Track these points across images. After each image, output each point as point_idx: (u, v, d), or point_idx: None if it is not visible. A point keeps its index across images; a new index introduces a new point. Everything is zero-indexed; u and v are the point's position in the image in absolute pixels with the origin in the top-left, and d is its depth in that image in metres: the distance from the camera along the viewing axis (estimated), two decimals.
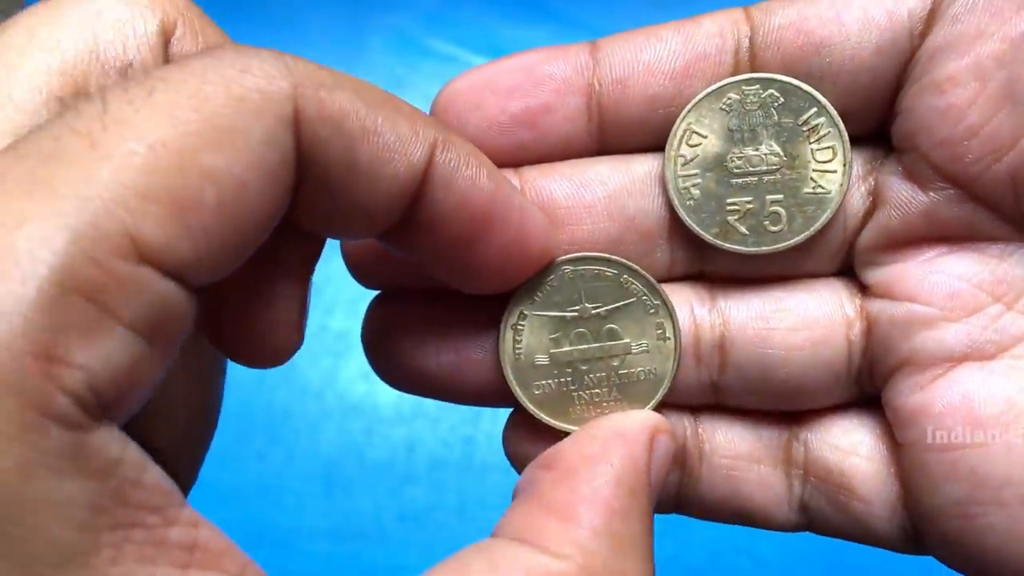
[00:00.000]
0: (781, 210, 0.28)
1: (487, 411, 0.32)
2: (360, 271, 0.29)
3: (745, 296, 0.30)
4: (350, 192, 0.23)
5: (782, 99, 0.28)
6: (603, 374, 0.29)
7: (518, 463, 0.30)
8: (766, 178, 0.28)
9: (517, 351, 0.29)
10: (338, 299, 0.74)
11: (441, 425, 0.72)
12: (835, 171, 0.28)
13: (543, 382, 0.29)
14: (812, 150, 0.28)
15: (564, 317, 0.29)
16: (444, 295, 0.29)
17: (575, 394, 0.29)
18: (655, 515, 0.29)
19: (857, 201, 0.29)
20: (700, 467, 0.30)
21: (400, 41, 0.82)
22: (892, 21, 0.27)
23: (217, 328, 0.25)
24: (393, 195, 0.23)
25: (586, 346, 0.29)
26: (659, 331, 0.29)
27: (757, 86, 0.28)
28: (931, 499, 0.28)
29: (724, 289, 0.30)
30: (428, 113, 0.27)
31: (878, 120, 0.28)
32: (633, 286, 0.28)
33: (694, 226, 0.28)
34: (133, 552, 0.18)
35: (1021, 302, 0.28)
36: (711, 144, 0.28)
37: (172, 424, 0.25)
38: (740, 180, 0.28)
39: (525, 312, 0.28)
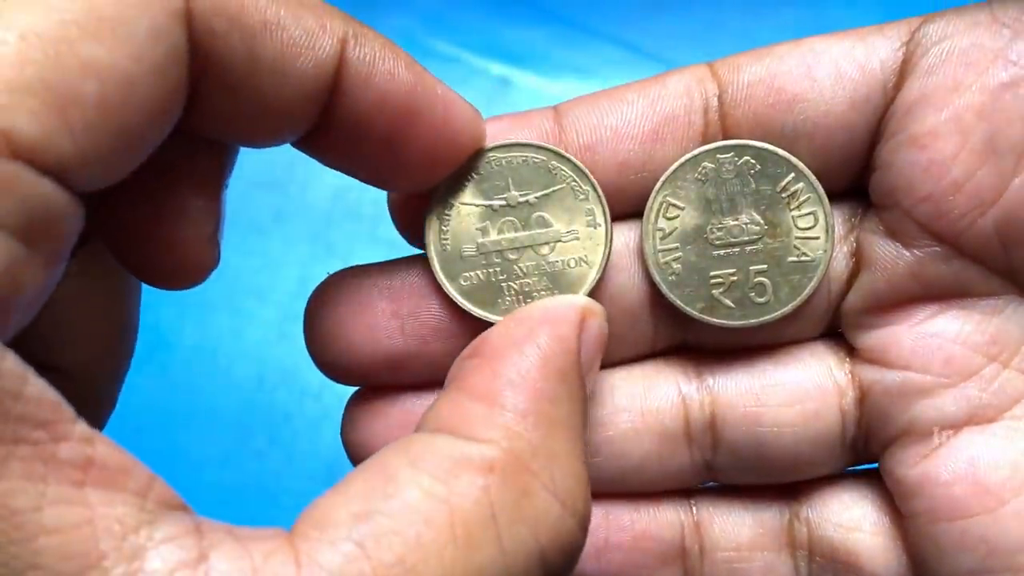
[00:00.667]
0: (767, 281, 0.28)
1: None
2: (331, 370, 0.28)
3: (732, 371, 0.29)
4: (254, 92, 0.21)
5: (758, 166, 0.27)
6: (533, 263, 0.27)
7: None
8: (748, 248, 0.28)
9: (443, 241, 0.27)
10: None
11: None
12: (818, 237, 0.27)
13: (470, 273, 0.27)
14: (793, 217, 0.27)
15: (491, 206, 0.27)
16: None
17: (504, 284, 0.27)
18: None
19: (840, 263, 0.28)
20: (702, 565, 0.29)
21: (401, 41, 0.81)
22: (865, 74, 0.27)
23: (123, 245, 0.24)
24: (303, 94, 0.22)
25: (515, 234, 0.27)
26: (589, 217, 0.27)
27: (732, 154, 0.27)
28: (943, 570, 0.27)
29: (710, 365, 0.29)
30: None
31: (854, 176, 0.28)
32: (562, 172, 0.27)
33: (678, 302, 0.28)
34: (19, 469, 0.17)
35: (1016, 360, 0.27)
36: (689, 216, 0.28)
37: (77, 344, 0.24)
38: (722, 251, 0.28)
39: (451, 202, 0.27)
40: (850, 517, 0.29)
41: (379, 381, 0.28)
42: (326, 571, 0.18)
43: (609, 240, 0.27)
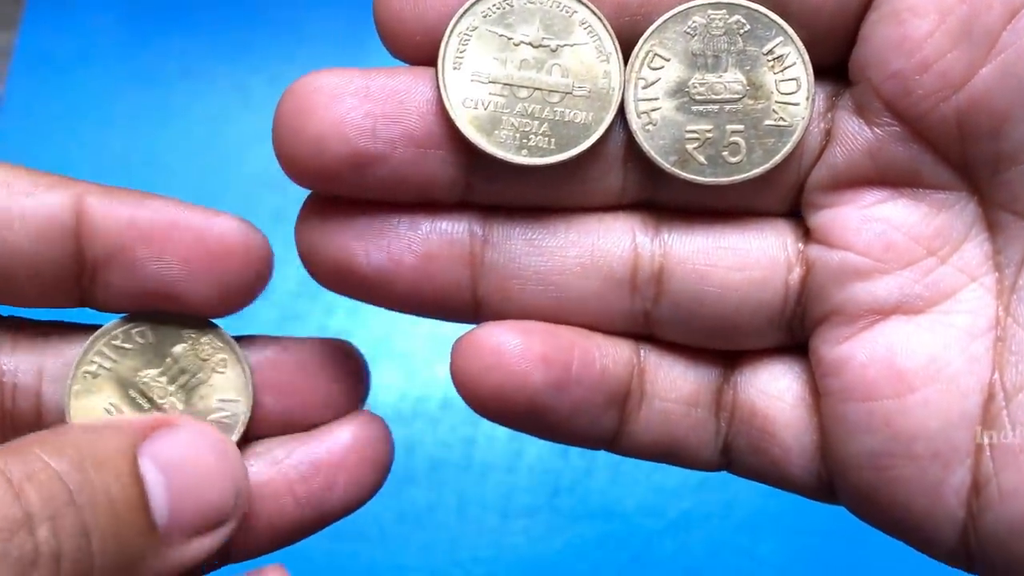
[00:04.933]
0: (741, 141, 0.28)
1: None
2: None
3: (691, 230, 0.29)
4: None
5: (748, 26, 0.27)
6: (539, 106, 0.27)
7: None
8: (728, 107, 0.28)
9: (458, 60, 0.27)
10: (338, 300, 0.74)
11: (441, 425, 0.71)
12: (798, 103, 0.27)
13: (474, 97, 0.27)
14: (776, 80, 0.27)
15: (512, 39, 0.27)
16: None
17: (504, 117, 0.27)
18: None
19: (814, 138, 0.28)
20: (640, 408, 0.30)
21: None
22: None
23: None
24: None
25: (529, 74, 0.27)
26: (605, 80, 0.28)
27: (724, 11, 0.27)
28: (846, 449, 0.28)
29: (670, 222, 0.29)
30: None
31: (841, 50, 0.28)
32: (591, 29, 0.27)
33: (651, 152, 0.28)
34: None
35: (955, 256, 0.27)
36: (673, 68, 0.28)
37: None
38: (702, 107, 0.28)
39: (476, 25, 0.27)
40: (776, 387, 0.30)
41: (339, 184, 0.27)
42: None
43: (618, 106, 0.28)
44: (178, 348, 0.29)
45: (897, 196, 0.28)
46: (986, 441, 0.26)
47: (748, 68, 0.28)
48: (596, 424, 0.29)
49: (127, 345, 0.29)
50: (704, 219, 0.29)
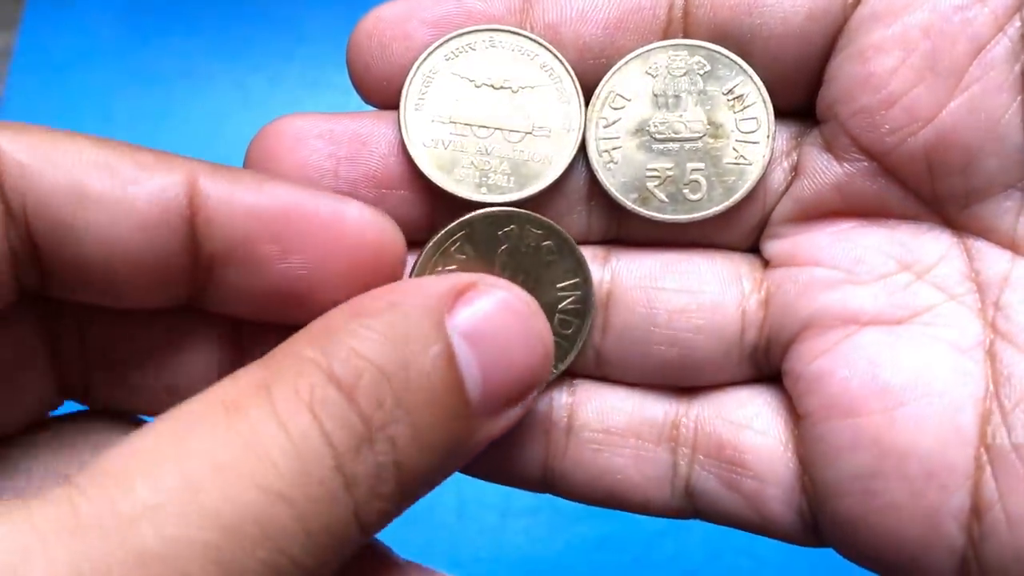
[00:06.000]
0: (702, 179, 0.28)
1: None
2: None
3: (640, 257, 0.29)
4: (90, 231, 0.23)
5: (708, 67, 0.28)
6: (499, 146, 0.28)
7: None
8: (688, 145, 0.28)
9: (420, 101, 0.28)
10: None
11: None
12: (758, 142, 0.28)
13: (435, 137, 0.28)
14: (736, 120, 0.28)
15: (474, 81, 0.28)
16: None
17: (464, 157, 0.28)
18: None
19: (779, 176, 0.28)
20: (567, 440, 0.29)
21: None
22: None
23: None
24: (148, 225, 0.23)
25: (490, 114, 0.28)
26: (565, 120, 0.28)
27: (684, 52, 0.28)
28: (830, 473, 0.26)
29: (621, 251, 0.29)
30: (349, 41, 0.28)
31: (806, 92, 0.28)
32: (552, 73, 0.28)
33: (612, 191, 0.28)
34: None
35: (930, 274, 0.27)
36: (634, 108, 0.28)
37: None
38: (662, 146, 0.28)
39: (438, 68, 0.28)
40: (743, 414, 0.28)
41: None
42: None
43: (577, 147, 0.28)
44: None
45: (868, 224, 0.28)
46: (986, 461, 0.25)
47: (708, 107, 0.28)
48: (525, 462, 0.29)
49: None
50: (655, 249, 0.29)
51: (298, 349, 0.21)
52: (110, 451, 0.19)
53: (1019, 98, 0.25)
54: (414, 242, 0.28)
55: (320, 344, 0.21)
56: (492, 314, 0.23)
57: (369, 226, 0.25)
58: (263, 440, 0.19)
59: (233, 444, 0.19)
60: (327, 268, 0.25)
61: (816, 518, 0.27)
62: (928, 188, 0.26)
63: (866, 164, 0.27)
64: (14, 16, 0.81)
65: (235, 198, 0.24)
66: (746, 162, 0.28)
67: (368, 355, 0.21)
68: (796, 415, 0.28)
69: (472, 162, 0.28)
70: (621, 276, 0.28)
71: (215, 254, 0.24)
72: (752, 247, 0.29)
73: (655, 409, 0.29)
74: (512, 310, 0.24)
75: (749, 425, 0.28)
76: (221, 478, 0.19)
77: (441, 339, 0.22)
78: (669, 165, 0.28)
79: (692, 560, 0.66)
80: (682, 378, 0.29)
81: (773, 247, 0.28)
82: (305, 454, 0.20)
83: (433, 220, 0.28)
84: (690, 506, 0.29)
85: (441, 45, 0.27)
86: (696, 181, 0.28)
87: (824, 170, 0.27)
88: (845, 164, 0.27)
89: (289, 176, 0.27)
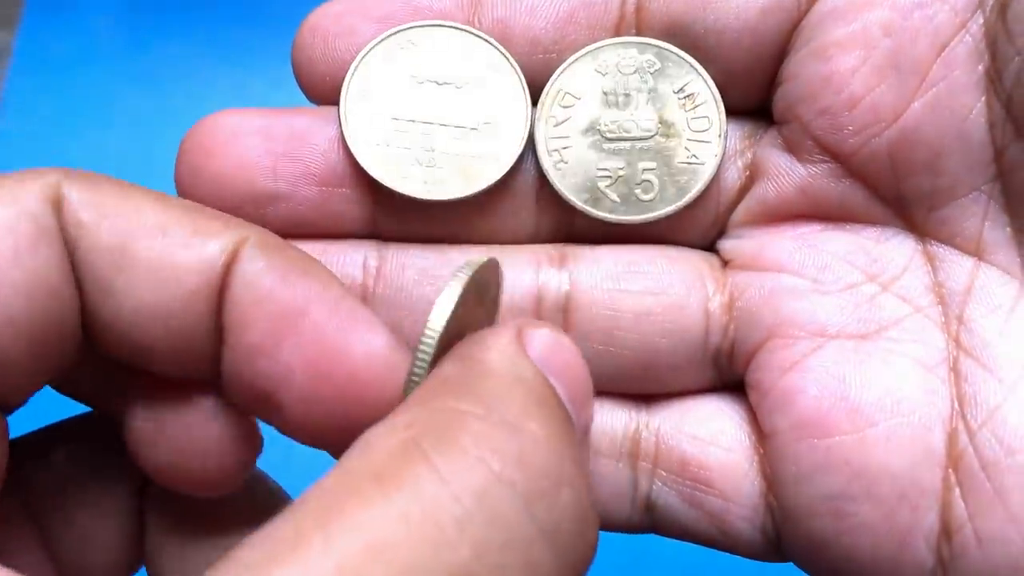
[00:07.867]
0: (654, 179, 0.27)
1: None
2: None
3: (598, 259, 0.28)
4: (133, 293, 0.21)
5: (659, 64, 0.27)
6: (443, 143, 0.27)
7: None
8: (639, 145, 0.28)
9: (361, 97, 0.27)
10: None
11: None
12: (709, 141, 0.27)
13: (376, 134, 0.27)
14: (687, 118, 0.27)
15: (417, 77, 0.27)
16: None
17: (408, 154, 0.27)
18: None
19: (732, 175, 0.28)
20: None
21: None
22: None
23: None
24: (188, 293, 0.21)
25: (432, 110, 0.27)
26: (511, 117, 0.27)
27: (634, 50, 0.27)
28: (800, 493, 0.26)
29: (578, 252, 0.28)
30: (294, 37, 0.27)
31: (760, 91, 0.27)
32: (497, 68, 0.27)
33: (563, 191, 0.28)
34: None
35: (895, 285, 0.26)
36: (584, 107, 0.28)
37: None
38: (613, 145, 0.28)
39: (379, 63, 0.27)
40: (707, 431, 0.27)
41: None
42: None
43: (523, 144, 0.27)
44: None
45: (831, 229, 0.27)
46: (955, 482, 0.25)
47: (660, 106, 0.27)
48: None
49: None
50: (612, 246, 0.28)
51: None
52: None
53: (983, 98, 0.25)
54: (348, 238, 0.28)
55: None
56: (555, 342, 0.21)
57: (377, 360, 0.21)
58: None
59: None
60: (312, 387, 0.21)
61: (780, 536, 0.27)
62: (893, 190, 0.26)
63: (830, 165, 0.26)
64: (14, 16, 0.81)
65: (260, 277, 0.21)
66: (698, 162, 0.27)
67: (535, 427, 0.18)
68: (761, 431, 0.27)
69: (416, 159, 0.27)
70: (580, 278, 0.27)
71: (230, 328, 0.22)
72: (707, 246, 0.29)
73: (615, 420, 0.28)
74: (558, 338, 0.21)
75: (715, 442, 0.27)
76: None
77: (541, 380, 0.20)
78: (621, 165, 0.28)
79: (692, 560, 0.66)
80: (644, 384, 0.28)
81: (734, 248, 0.28)
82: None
83: (376, 218, 0.28)
84: (648, 520, 0.28)
85: (382, 40, 0.27)
86: (648, 181, 0.28)
87: (787, 172, 0.27)
88: (808, 166, 0.26)
89: (226, 176, 0.26)
